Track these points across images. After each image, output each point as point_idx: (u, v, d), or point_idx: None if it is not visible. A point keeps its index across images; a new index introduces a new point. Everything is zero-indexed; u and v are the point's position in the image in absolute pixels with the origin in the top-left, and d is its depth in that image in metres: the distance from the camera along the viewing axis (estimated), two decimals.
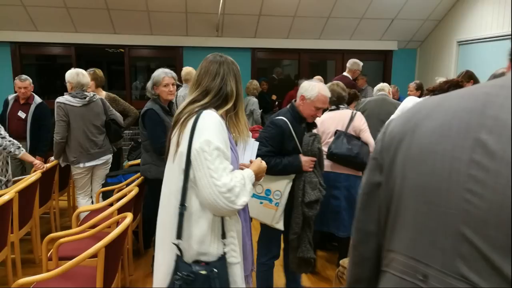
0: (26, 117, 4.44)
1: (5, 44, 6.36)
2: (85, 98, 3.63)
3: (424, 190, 0.75)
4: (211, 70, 1.74)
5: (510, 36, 5.31)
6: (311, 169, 2.65)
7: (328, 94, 2.71)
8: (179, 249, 1.62)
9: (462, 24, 6.41)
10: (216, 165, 1.57)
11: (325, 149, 3.10)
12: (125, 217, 2.46)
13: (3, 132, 3.53)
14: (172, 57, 6.99)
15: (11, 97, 4.56)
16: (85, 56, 7.37)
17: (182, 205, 1.62)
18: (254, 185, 1.75)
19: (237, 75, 1.79)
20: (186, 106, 1.73)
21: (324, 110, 3.24)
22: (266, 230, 2.73)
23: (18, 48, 6.46)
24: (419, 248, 0.76)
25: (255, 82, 6.31)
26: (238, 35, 6.79)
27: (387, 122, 0.93)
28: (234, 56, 1.91)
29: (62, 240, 2.46)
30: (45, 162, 3.99)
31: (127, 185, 3.53)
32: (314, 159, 2.67)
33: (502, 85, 0.72)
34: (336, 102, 3.33)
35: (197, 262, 1.62)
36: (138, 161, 3.83)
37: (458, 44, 6.50)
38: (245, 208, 1.86)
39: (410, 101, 3.73)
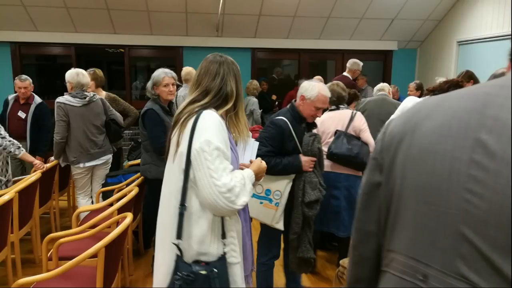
0: (26, 117, 4.44)
1: (5, 44, 6.36)
2: (85, 98, 3.64)
3: (424, 190, 0.75)
4: (211, 70, 1.74)
5: (510, 36, 5.30)
6: (311, 169, 2.65)
7: (328, 94, 2.71)
8: (179, 249, 1.62)
9: (462, 24, 6.41)
10: (216, 165, 1.57)
11: (325, 149, 3.10)
12: (125, 217, 2.46)
13: (3, 132, 3.52)
14: (172, 57, 6.99)
15: (11, 97, 4.56)
16: (85, 56, 7.37)
17: (182, 205, 1.62)
18: (254, 185, 1.75)
19: (237, 75, 1.79)
20: (186, 106, 1.73)
21: (324, 110, 3.24)
22: (266, 230, 2.73)
23: (18, 48, 6.46)
24: (419, 248, 0.76)
25: (255, 82, 6.31)
26: (238, 35, 6.79)
27: (387, 122, 0.93)
28: (234, 56, 1.91)
29: (62, 240, 2.46)
30: (45, 162, 3.98)
31: (127, 185, 3.53)
32: (314, 159, 2.67)
33: (502, 85, 0.72)
34: (336, 102, 3.33)
35: (197, 262, 1.62)
36: (138, 161, 3.83)
37: (458, 44, 6.50)
38: (245, 208, 1.85)
39: (410, 101, 3.73)
